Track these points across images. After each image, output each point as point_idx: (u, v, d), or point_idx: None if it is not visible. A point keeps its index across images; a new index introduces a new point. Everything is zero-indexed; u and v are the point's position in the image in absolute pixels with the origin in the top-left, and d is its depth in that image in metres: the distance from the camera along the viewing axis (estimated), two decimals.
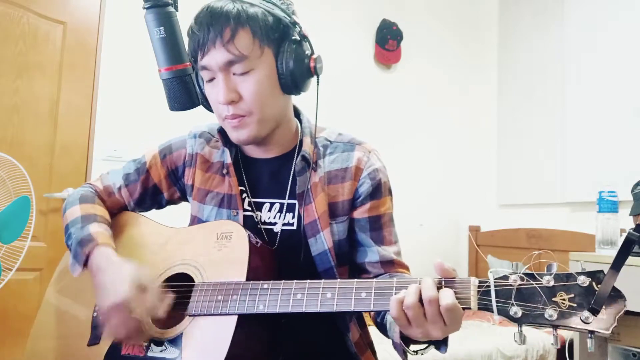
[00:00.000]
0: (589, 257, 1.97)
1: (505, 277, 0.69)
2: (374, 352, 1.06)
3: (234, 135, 0.95)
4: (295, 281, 0.82)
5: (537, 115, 3.17)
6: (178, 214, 1.31)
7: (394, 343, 0.83)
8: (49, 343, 0.99)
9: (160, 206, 1.13)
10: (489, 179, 3.50)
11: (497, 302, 0.68)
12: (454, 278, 0.73)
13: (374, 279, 0.79)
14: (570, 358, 2.01)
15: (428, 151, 3.51)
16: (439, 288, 0.71)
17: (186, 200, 1.11)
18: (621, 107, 2.68)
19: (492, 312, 0.68)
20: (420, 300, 0.71)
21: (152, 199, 1.10)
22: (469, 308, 0.70)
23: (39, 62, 2.45)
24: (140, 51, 2.32)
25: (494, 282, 0.70)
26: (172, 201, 1.13)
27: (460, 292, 0.71)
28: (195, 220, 1.04)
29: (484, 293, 0.70)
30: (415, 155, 3.44)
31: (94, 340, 0.93)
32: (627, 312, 0.65)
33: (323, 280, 0.80)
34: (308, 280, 0.81)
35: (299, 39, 0.93)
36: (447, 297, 0.69)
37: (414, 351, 0.80)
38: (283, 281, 0.83)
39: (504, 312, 0.68)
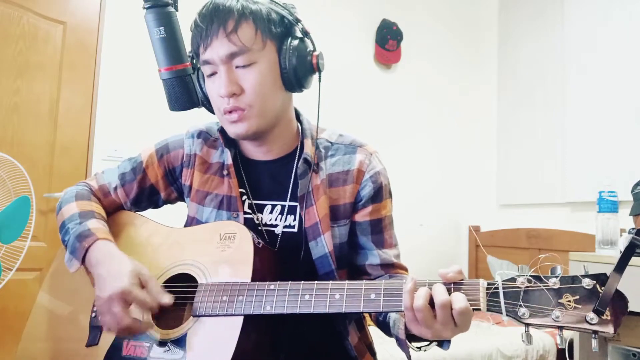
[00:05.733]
0: (589, 257, 1.97)
1: (513, 279, 0.71)
2: (373, 354, 1.05)
3: (232, 130, 0.94)
4: (302, 282, 0.81)
5: (537, 115, 3.17)
6: (174, 213, 1.30)
7: (398, 339, 0.83)
8: (42, 345, 0.97)
9: (156, 206, 1.12)
10: (489, 179, 3.50)
11: (505, 303, 0.70)
12: (462, 280, 0.74)
13: (383, 281, 0.79)
14: (571, 358, 2.01)
15: (428, 151, 3.51)
16: (448, 290, 0.72)
17: (183, 200, 1.10)
18: (621, 107, 2.68)
19: (501, 313, 0.70)
20: (431, 303, 0.72)
21: (148, 199, 1.09)
22: (479, 309, 0.71)
23: (39, 62, 2.45)
24: (140, 51, 2.32)
25: (502, 284, 0.71)
26: (168, 201, 1.11)
27: (469, 294, 0.72)
28: (193, 222, 1.03)
29: (492, 295, 0.71)
30: (415, 155, 3.44)
31: (93, 341, 0.92)
32: (627, 312, 0.66)
33: (331, 282, 0.80)
34: (316, 282, 0.81)
35: (301, 35, 0.94)
36: (459, 300, 0.71)
37: (417, 347, 0.81)
38: (290, 282, 0.82)
39: (512, 313, 0.69)
